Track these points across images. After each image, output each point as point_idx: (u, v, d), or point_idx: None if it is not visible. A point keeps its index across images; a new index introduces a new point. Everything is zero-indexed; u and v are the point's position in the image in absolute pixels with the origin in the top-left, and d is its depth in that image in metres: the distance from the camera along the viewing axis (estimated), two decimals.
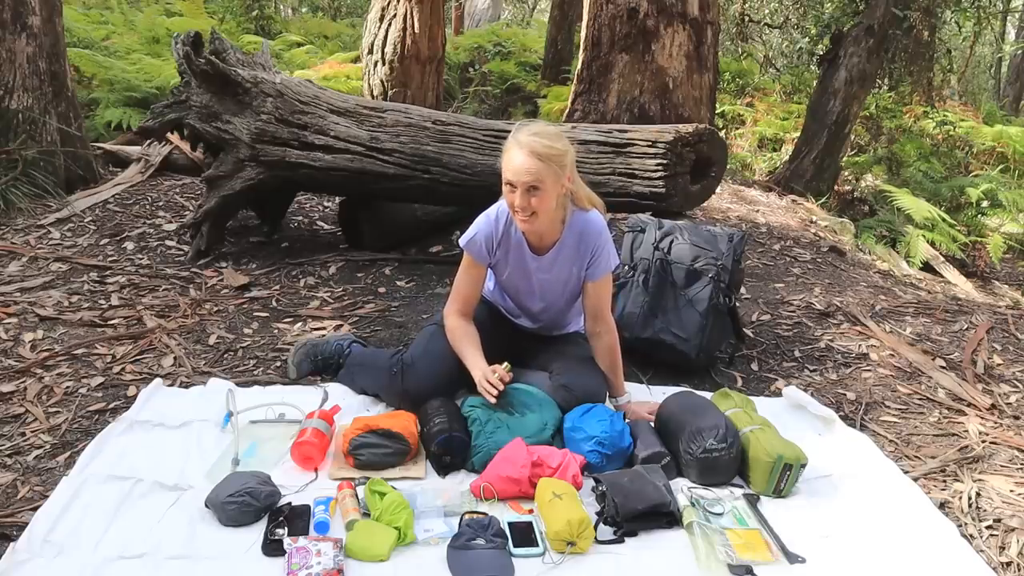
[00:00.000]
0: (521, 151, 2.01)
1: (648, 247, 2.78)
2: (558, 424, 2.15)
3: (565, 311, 2.43)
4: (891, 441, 2.42)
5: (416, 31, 5.90)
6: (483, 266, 2.27)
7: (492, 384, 2.07)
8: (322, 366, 2.53)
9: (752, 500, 1.97)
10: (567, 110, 6.13)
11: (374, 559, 1.67)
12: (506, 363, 2.14)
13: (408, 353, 2.28)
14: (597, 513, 1.85)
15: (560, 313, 2.43)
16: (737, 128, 8.43)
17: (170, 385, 2.41)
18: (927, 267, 5.50)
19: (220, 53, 3.42)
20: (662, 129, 3.34)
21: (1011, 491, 2.15)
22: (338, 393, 2.39)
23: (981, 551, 1.89)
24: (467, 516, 1.80)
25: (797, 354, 2.98)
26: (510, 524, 1.79)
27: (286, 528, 1.72)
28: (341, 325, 2.93)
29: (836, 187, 6.92)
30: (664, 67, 5.52)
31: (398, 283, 3.40)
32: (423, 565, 1.67)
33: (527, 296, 2.36)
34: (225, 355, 2.66)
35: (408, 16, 5.88)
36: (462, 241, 2.24)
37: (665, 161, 3.21)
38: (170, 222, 3.95)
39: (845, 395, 2.70)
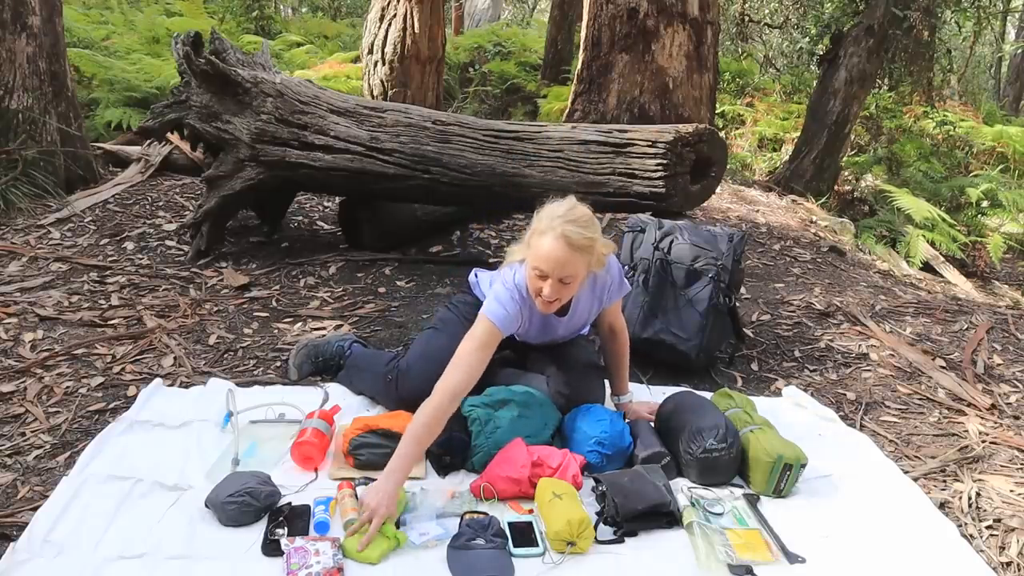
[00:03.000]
0: (559, 243, 1.88)
1: (648, 247, 2.78)
2: (558, 424, 2.15)
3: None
4: (891, 441, 2.42)
5: (416, 31, 5.90)
6: (501, 337, 2.05)
7: (368, 524, 1.71)
8: (323, 367, 2.53)
9: (752, 500, 1.97)
10: (567, 110, 6.13)
11: (365, 561, 1.67)
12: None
13: (404, 359, 2.26)
14: (597, 513, 1.85)
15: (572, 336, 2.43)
16: (737, 128, 8.43)
17: (170, 385, 2.41)
18: (927, 267, 5.50)
19: (220, 53, 3.42)
20: (662, 129, 3.34)
21: (1011, 491, 2.15)
22: (338, 393, 2.39)
23: (981, 551, 1.89)
24: (467, 516, 1.80)
25: (797, 354, 2.98)
26: (510, 524, 1.79)
27: (286, 528, 1.72)
28: (341, 325, 2.93)
29: (836, 187, 6.93)
30: (664, 67, 5.52)
31: (398, 283, 3.40)
32: (423, 566, 1.67)
33: (546, 342, 2.36)
34: (225, 355, 2.66)
35: (408, 16, 5.88)
36: (493, 317, 1.99)
37: (665, 161, 3.20)
38: (170, 222, 3.95)
39: (845, 395, 2.70)
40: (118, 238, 3.69)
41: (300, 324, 2.92)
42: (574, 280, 1.96)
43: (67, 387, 2.37)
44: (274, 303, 3.11)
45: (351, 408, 2.28)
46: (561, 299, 2.01)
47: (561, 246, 1.89)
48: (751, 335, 3.09)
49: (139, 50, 6.95)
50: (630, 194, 3.26)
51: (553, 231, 1.89)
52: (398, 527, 1.77)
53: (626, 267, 2.79)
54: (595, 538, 1.77)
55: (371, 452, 1.98)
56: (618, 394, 2.37)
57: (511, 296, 2.04)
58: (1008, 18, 13.55)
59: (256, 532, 1.73)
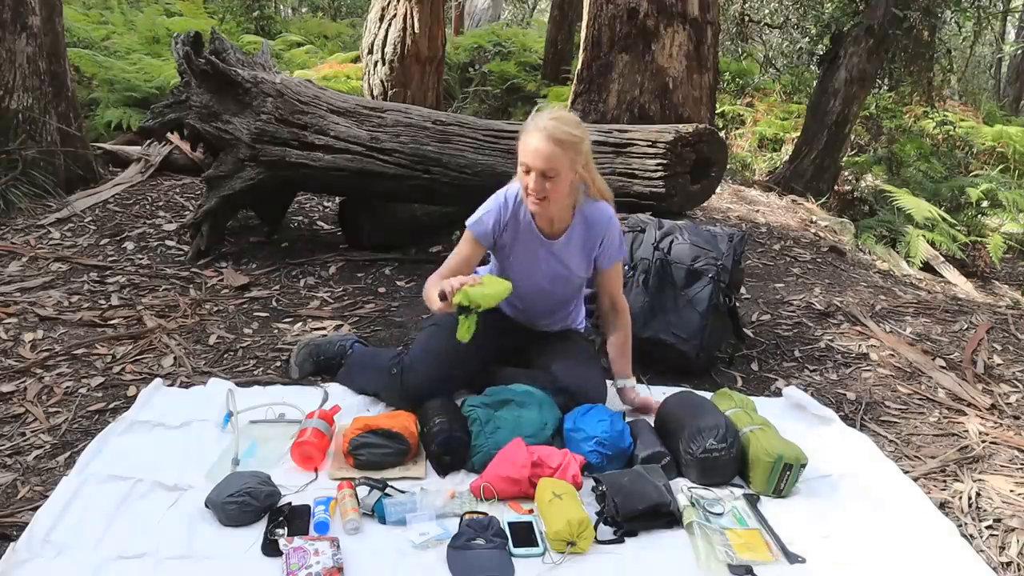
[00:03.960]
0: (540, 135, 2.03)
1: (648, 247, 2.78)
2: (558, 424, 2.15)
3: (568, 301, 2.43)
4: (891, 441, 2.42)
5: (416, 31, 5.90)
6: (481, 247, 2.27)
7: (450, 287, 2.01)
8: (324, 366, 2.53)
9: (752, 500, 1.97)
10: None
11: (486, 301, 1.99)
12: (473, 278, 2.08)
13: (407, 355, 2.28)
14: (597, 513, 1.85)
15: (563, 303, 2.42)
16: (737, 128, 8.43)
17: (170, 385, 2.41)
18: (927, 267, 5.50)
19: (220, 53, 3.42)
20: (662, 129, 3.34)
21: (1011, 491, 2.15)
22: (338, 393, 2.39)
23: (981, 551, 1.89)
24: (467, 516, 1.80)
25: (797, 354, 2.98)
26: (510, 524, 1.79)
27: (286, 528, 1.72)
28: (341, 325, 2.93)
29: (836, 187, 6.93)
30: (664, 67, 5.52)
31: (398, 283, 3.40)
32: (422, 566, 1.67)
33: (533, 281, 2.35)
34: (225, 355, 2.66)
35: (408, 16, 5.88)
36: (469, 221, 2.25)
37: (665, 161, 3.21)
38: (170, 222, 3.95)
39: (845, 395, 2.70)
40: (118, 238, 3.69)
41: (300, 324, 2.92)
42: (558, 177, 2.06)
43: (67, 387, 2.37)
44: (274, 303, 3.11)
45: (351, 408, 2.28)
46: (548, 197, 2.10)
47: (543, 139, 2.03)
48: (751, 335, 3.09)
49: (139, 50, 6.94)
50: (630, 194, 3.27)
51: (537, 128, 2.05)
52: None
53: (626, 267, 2.79)
54: (595, 538, 1.76)
55: (371, 452, 1.98)
56: (620, 376, 2.36)
57: (494, 202, 2.25)
58: (1008, 18, 13.55)
59: (256, 532, 1.73)
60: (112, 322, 2.83)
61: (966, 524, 2.00)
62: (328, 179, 3.39)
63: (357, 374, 2.42)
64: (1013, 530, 1.98)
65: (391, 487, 1.88)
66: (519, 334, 2.46)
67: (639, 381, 2.64)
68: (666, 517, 1.84)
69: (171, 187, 4.45)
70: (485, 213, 2.24)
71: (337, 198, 4.33)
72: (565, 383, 2.23)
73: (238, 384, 2.41)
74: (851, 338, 3.14)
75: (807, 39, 7.78)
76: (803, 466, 2.01)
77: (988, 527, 2.00)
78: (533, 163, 2.05)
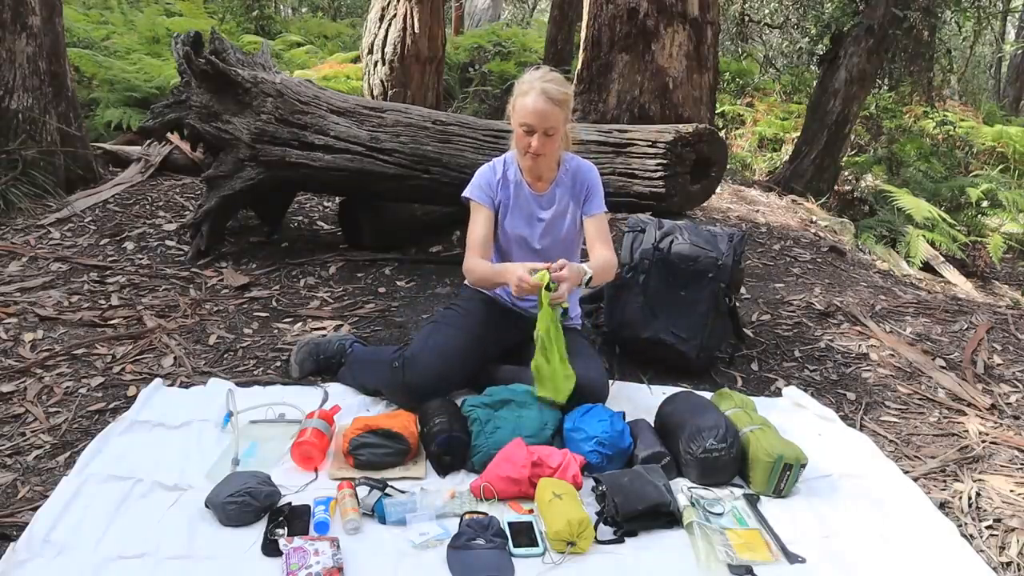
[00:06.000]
0: (541, 96, 2.16)
1: (648, 247, 2.78)
2: (558, 424, 2.15)
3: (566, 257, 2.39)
4: (891, 441, 2.42)
5: (416, 31, 5.90)
6: (489, 209, 2.36)
7: (527, 285, 2.07)
8: (324, 365, 2.53)
9: (752, 500, 1.97)
10: None
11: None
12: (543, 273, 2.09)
13: (410, 348, 2.29)
14: (597, 513, 1.85)
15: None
16: (737, 128, 8.44)
17: (170, 385, 2.41)
18: (927, 267, 5.50)
19: (220, 53, 3.42)
20: (662, 129, 3.34)
21: (1011, 491, 2.15)
22: (338, 393, 2.39)
23: (981, 551, 1.89)
24: (467, 516, 1.80)
25: (797, 354, 2.98)
26: (510, 524, 1.79)
27: (286, 528, 1.72)
28: (341, 325, 2.93)
29: (836, 187, 6.93)
30: (664, 67, 5.52)
31: (398, 283, 3.40)
32: (423, 566, 1.67)
33: (530, 238, 2.39)
34: (225, 355, 2.66)
35: (408, 16, 5.88)
36: (465, 193, 2.37)
37: (665, 161, 3.21)
38: (170, 222, 3.95)
39: (845, 395, 2.70)
40: (118, 238, 3.69)
41: (300, 324, 2.92)
42: (556, 134, 2.21)
43: (67, 387, 2.37)
44: (274, 303, 3.11)
45: (351, 408, 2.28)
46: (546, 153, 2.24)
47: (545, 100, 2.15)
48: (751, 335, 3.09)
49: (139, 50, 6.94)
50: (630, 194, 3.27)
51: (534, 90, 2.17)
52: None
53: (626, 267, 2.79)
54: (595, 538, 1.77)
55: (371, 452, 1.98)
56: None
57: (485, 167, 2.38)
58: (1008, 18, 13.55)
59: (256, 532, 1.73)
60: (112, 322, 2.83)
61: (966, 524, 2.00)
62: (328, 179, 3.39)
63: (358, 370, 2.43)
64: (1013, 530, 1.98)
65: (391, 487, 1.88)
66: (520, 330, 2.45)
67: (639, 381, 2.65)
68: (666, 517, 1.85)
69: (171, 187, 4.45)
70: (477, 178, 2.37)
71: (337, 198, 4.33)
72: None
73: (238, 384, 2.41)
74: (851, 338, 3.14)
75: (807, 39, 7.77)
76: (803, 466, 2.01)
77: (988, 527, 2.00)
78: (537, 123, 2.16)
